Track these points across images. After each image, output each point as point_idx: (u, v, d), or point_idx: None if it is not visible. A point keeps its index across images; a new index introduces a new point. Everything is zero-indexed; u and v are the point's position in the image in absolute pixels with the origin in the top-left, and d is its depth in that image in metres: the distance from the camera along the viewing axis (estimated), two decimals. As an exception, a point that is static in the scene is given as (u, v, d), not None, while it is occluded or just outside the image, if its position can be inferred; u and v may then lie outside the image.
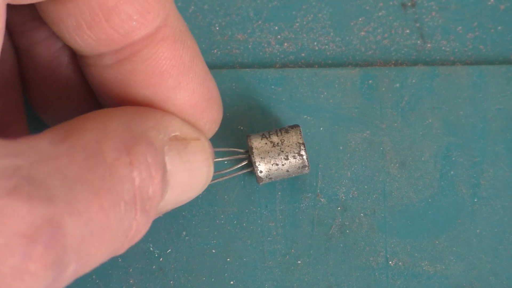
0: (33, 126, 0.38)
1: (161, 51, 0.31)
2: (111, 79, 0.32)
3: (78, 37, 0.30)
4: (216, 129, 0.35)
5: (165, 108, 0.32)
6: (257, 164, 0.35)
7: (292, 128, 0.36)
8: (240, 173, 0.37)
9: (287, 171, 0.36)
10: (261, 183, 0.36)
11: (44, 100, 0.36)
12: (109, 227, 0.27)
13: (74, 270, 0.26)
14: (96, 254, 0.27)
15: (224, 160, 0.38)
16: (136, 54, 0.31)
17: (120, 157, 0.27)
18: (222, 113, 0.35)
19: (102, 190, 0.26)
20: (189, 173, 0.31)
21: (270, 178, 0.36)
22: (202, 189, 0.33)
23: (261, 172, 0.36)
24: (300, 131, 0.36)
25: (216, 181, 0.37)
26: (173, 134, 0.31)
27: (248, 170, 0.37)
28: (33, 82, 0.35)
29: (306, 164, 0.36)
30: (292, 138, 0.36)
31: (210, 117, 0.34)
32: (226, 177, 0.37)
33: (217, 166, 0.37)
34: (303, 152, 0.36)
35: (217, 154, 0.38)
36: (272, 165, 0.36)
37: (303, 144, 0.36)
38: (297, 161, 0.36)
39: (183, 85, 0.32)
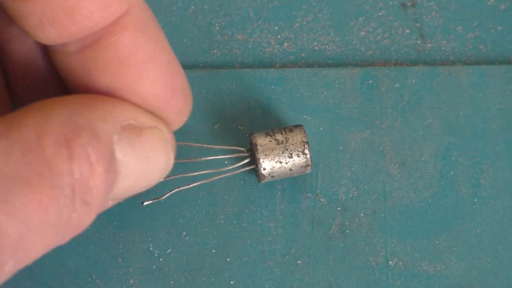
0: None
1: (121, 39, 0.31)
2: (74, 66, 0.32)
3: (40, 34, 0.31)
4: (185, 119, 0.35)
5: (126, 97, 0.32)
6: (261, 161, 0.35)
7: (296, 127, 0.36)
8: (241, 170, 0.37)
9: (290, 169, 0.36)
10: (262, 181, 0.36)
11: (26, 94, 0.36)
12: (47, 222, 0.27)
13: (13, 266, 0.26)
14: (35, 249, 0.27)
15: (225, 159, 0.38)
16: (97, 42, 0.31)
17: (59, 151, 0.27)
18: (191, 103, 0.35)
19: (40, 186, 0.26)
20: (143, 162, 0.31)
21: (273, 177, 0.36)
22: (161, 176, 0.33)
23: (264, 169, 0.36)
24: (304, 131, 0.36)
25: (216, 178, 0.37)
26: (126, 123, 0.31)
27: (250, 167, 0.37)
28: (13, 78, 0.35)
29: (309, 163, 0.36)
30: (297, 136, 0.36)
31: (175, 107, 0.34)
32: (227, 174, 0.37)
33: (218, 165, 0.38)
34: (307, 151, 0.36)
35: (217, 152, 0.38)
36: (276, 162, 0.36)
37: (307, 143, 0.36)
38: (301, 159, 0.36)
39: (144, 75, 0.32)
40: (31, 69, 0.35)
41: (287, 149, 0.36)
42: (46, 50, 0.34)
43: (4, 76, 0.36)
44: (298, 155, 0.36)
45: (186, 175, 0.37)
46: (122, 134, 0.30)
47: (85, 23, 0.30)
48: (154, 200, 0.37)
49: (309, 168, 0.36)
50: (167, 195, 0.37)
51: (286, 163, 0.36)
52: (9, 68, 0.35)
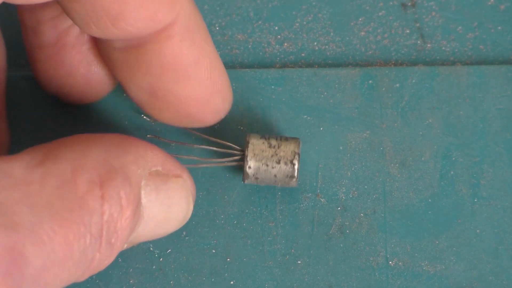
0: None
1: (165, 48, 0.32)
2: (118, 60, 0.33)
3: (85, 29, 0.31)
4: (221, 118, 0.35)
5: (165, 98, 0.33)
6: (248, 158, 0.35)
7: (292, 138, 0.36)
8: (227, 164, 0.37)
9: (275, 175, 0.36)
10: (246, 181, 0.36)
11: (49, 78, 0.36)
12: (71, 257, 0.27)
13: None
14: (55, 282, 0.27)
15: (217, 152, 0.38)
16: (141, 46, 0.32)
17: (92, 190, 0.28)
18: (229, 104, 0.35)
19: (69, 222, 0.27)
20: (165, 209, 0.31)
21: (256, 178, 0.36)
22: (180, 225, 0.33)
23: (249, 167, 0.36)
24: (299, 143, 0.36)
25: (202, 165, 0.37)
26: (154, 169, 0.31)
27: (237, 163, 0.37)
28: (38, 60, 0.36)
29: (295, 175, 0.36)
30: (290, 145, 0.36)
31: (213, 109, 0.34)
32: (213, 165, 0.37)
33: (209, 156, 0.38)
34: (295, 162, 0.35)
35: (212, 145, 0.38)
36: (262, 164, 0.36)
37: (298, 154, 0.36)
38: (288, 168, 0.36)
39: (183, 80, 0.32)
40: (58, 54, 0.36)
41: (276, 154, 0.36)
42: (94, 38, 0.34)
43: (30, 58, 0.36)
44: (285, 163, 0.35)
45: (175, 155, 0.37)
46: (149, 180, 0.30)
47: (129, 29, 0.30)
48: None
49: (294, 180, 0.36)
50: None
51: (273, 167, 0.36)
52: (36, 50, 0.36)
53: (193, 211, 0.38)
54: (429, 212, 0.38)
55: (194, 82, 0.33)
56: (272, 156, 0.36)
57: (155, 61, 0.32)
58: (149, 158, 0.31)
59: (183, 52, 0.32)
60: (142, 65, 0.32)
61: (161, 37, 0.31)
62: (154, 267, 0.37)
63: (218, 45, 0.41)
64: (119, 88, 0.38)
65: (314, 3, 0.42)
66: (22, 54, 0.39)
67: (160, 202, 0.31)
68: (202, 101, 0.33)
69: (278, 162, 0.36)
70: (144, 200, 0.30)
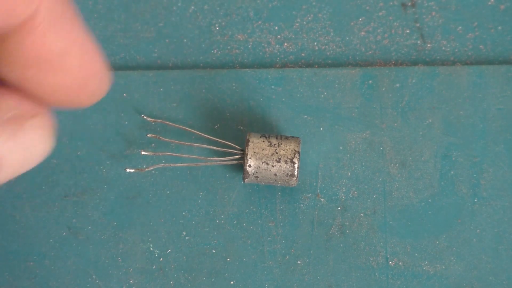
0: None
1: (28, 40, 0.31)
2: None
3: None
4: (99, 98, 0.35)
5: (36, 89, 0.32)
6: (248, 157, 0.36)
7: (293, 137, 0.36)
8: (228, 163, 0.37)
9: (275, 174, 0.36)
10: (246, 179, 0.36)
11: None
12: None
13: None
14: None
15: (217, 151, 0.38)
16: (4, 40, 0.31)
17: None
18: (105, 86, 0.34)
19: None
20: (24, 152, 0.31)
21: (256, 177, 0.36)
22: (39, 162, 0.33)
23: (249, 166, 0.36)
24: (299, 142, 0.36)
25: (203, 164, 0.37)
26: (10, 114, 0.31)
27: (237, 162, 0.37)
28: None
29: (295, 174, 0.36)
30: (290, 144, 0.36)
31: (88, 93, 0.34)
32: (213, 164, 0.37)
33: (209, 155, 0.38)
34: (295, 160, 0.35)
35: (213, 144, 0.38)
36: (262, 163, 0.36)
37: (298, 152, 0.36)
38: (288, 167, 0.36)
39: (52, 71, 0.32)
40: None
41: (276, 153, 0.36)
42: None
43: None
44: (286, 162, 0.36)
45: (175, 154, 0.38)
46: (3, 128, 0.30)
47: None
48: (137, 170, 0.38)
49: (294, 179, 0.36)
50: (151, 168, 0.37)
51: (273, 166, 0.36)
52: None
53: (193, 211, 0.38)
54: (429, 212, 0.38)
55: (64, 72, 0.32)
56: (272, 154, 0.36)
57: (19, 54, 0.31)
58: (2, 106, 0.31)
59: (47, 44, 0.31)
60: (6, 58, 0.32)
61: (23, 30, 0.31)
62: (154, 267, 0.37)
63: (218, 45, 0.41)
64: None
65: (314, 3, 0.42)
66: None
67: (19, 146, 0.31)
68: (75, 88, 0.33)
69: (278, 161, 0.36)
70: (1, 150, 0.30)
